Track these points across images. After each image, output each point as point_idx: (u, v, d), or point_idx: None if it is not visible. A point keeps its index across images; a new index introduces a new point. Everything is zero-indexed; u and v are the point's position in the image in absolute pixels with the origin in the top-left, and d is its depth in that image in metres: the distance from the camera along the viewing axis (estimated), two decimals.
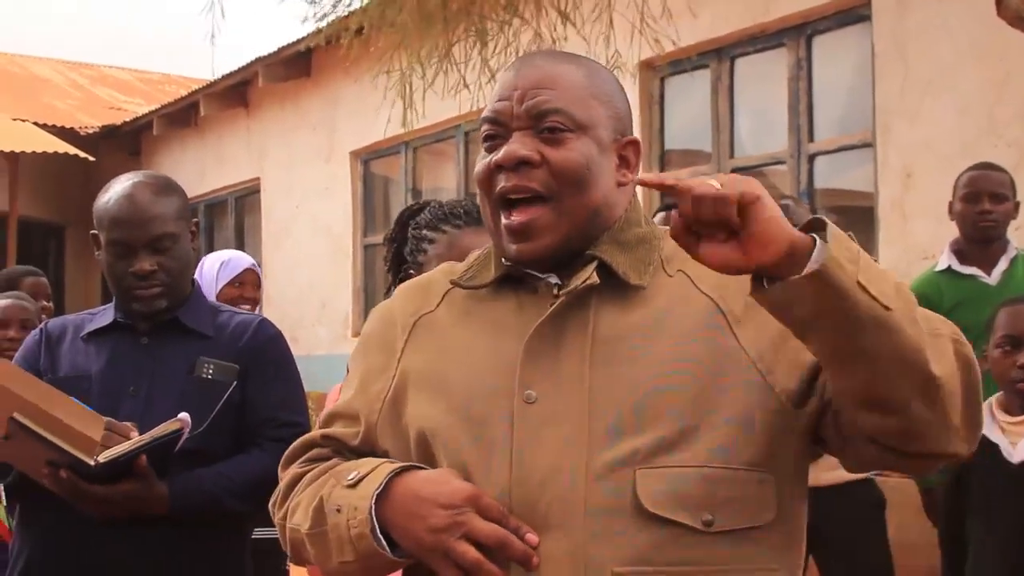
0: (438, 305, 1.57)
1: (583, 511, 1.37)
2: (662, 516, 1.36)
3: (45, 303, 4.56)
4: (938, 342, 1.31)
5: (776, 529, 1.41)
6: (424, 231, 2.39)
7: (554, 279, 1.48)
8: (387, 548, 1.42)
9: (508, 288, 1.52)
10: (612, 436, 1.38)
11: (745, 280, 1.37)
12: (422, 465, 1.47)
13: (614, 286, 1.45)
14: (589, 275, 1.44)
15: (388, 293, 2.55)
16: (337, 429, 1.59)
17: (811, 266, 1.22)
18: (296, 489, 1.57)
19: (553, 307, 1.44)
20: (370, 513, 1.42)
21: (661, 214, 4.01)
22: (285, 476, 1.62)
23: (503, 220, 1.47)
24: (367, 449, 1.55)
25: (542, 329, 1.44)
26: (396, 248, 2.53)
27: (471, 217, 2.35)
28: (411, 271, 2.37)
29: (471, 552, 1.36)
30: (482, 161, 1.50)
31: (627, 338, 1.42)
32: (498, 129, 1.48)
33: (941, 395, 1.29)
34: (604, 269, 1.45)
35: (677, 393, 1.39)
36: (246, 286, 4.04)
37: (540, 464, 1.39)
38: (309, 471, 1.58)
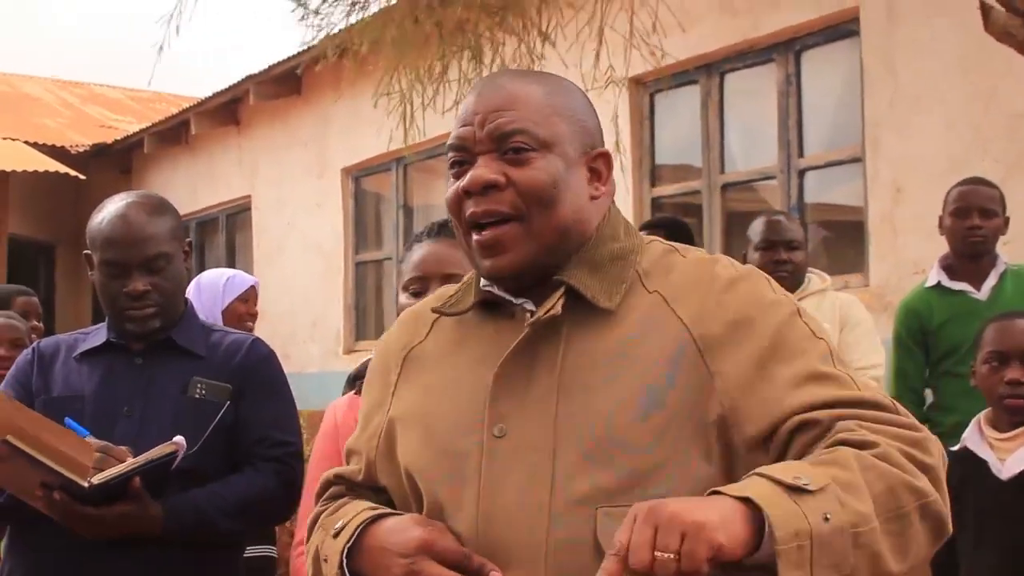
0: (427, 335, 1.58)
1: (544, 549, 1.36)
2: None
3: (36, 323, 4.56)
4: (903, 524, 1.31)
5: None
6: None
7: (530, 304, 1.47)
8: None
9: (488, 314, 1.52)
10: (577, 471, 1.37)
11: (725, 303, 1.40)
12: (395, 512, 1.49)
13: (584, 310, 1.43)
14: (554, 304, 1.42)
15: None
16: (347, 467, 1.63)
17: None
18: (313, 532, 1.59)
19: (519, 339, 1.44)
20: (341, 567, 1.46)
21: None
22: (311, 515, 1.64)
23: (474, 237, 1.47)
24: (370, 485, 1.58)
25: (511, 360, 1.44)
26: None
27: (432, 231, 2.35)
28: None
29: None
30: (451, 188, 1.49)
31: (596, 365, 1.41)
32: (463, 155, 1.48)
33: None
34: (573, 293, 1.43)
35: (642, 426, 1.36)
36: (251, 302, 4.06)
37: (506, 501, 1.39)
38: (324, 511, 1.60)
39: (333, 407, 2.51)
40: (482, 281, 1.52)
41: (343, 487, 1.62)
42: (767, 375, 1.37)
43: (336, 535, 1.48)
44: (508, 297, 1.49)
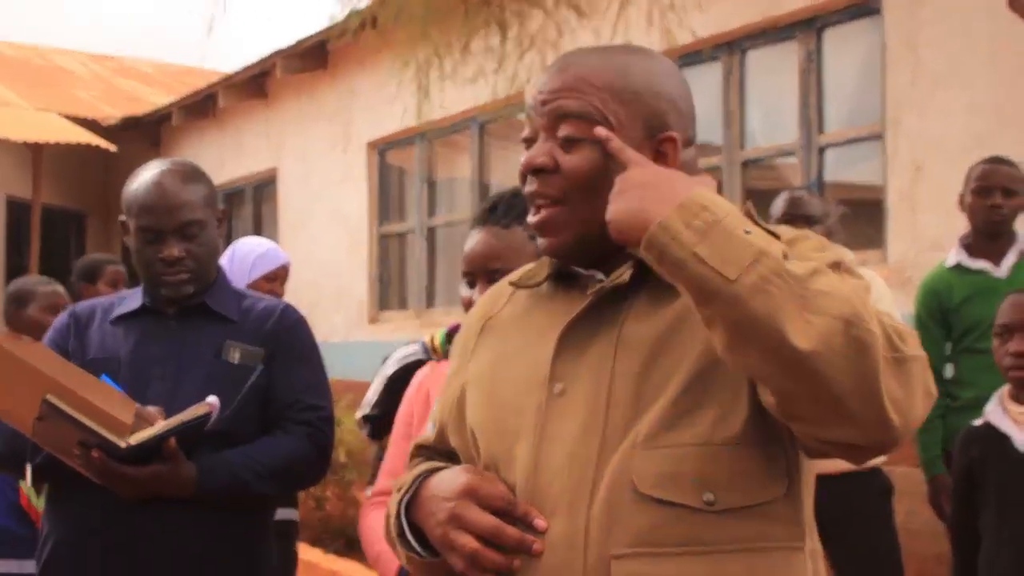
0: (504, 306, 1.62)
1: (587, 496, 1.38)
2: (658, 498, 1.36)
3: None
4: (817, 320, 1.24)
5: (791, 504, 1.40)
6: None
7: (600, 276, 1.50)
8: (419, 550, 1.50)
9: (561, 286, 1.55)
10: (626, 423, 1.40)
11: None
12: (447, 464, 1.55)
13: (652, 283, 1.44)
14: (620, 274, 1.45)
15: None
16: (424, 435, 1.70)
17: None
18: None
19: (584, 304, 1.47)
20: (398, 517, 1.52)
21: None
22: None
23: (529, 217, 1.53)
24: (442, 449, 1.64)
25: (575, 324, 1.47)
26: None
27: None
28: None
29: (469, 542, 1.41)
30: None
31: (655, 328, 1.43)
32: (531, 131, 1.52)
33: (807, 371, 1.24)
34: (643, 267, 1.43)
35: (680, 374, 1.39)
36: (278, 282, 4.00)
37: (557, 453, 1.42)
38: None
39: (417, 374, 2.52)
40: None
41: (421, 456, 1.67)
42: None
43: (399, 490, 1.55)
44: (579, 269, 1.52)
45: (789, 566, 1.39)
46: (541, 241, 1.52)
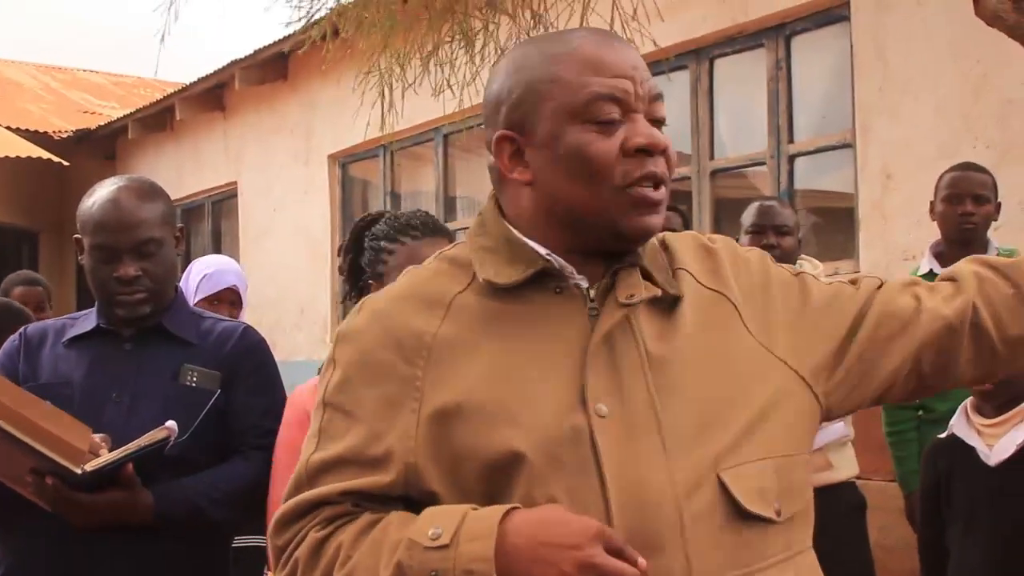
0: (444, 317, 1.43)
1: (680, 525, 1.32)
2: (754, 513, 1.36)
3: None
4: None
5: (809, 508, 1.47)
6: (382, 242, 2.38)
7: (584, 282, 1.43)
8: None
9: (528, 290, 1.42)
10: (690, 444, 1.36)
11: (737, 270, 1.49)
12: (515, 505, 1.32)
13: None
14: (642, 286, 1.41)
15: (345, 302, 2.56)
16: (360, 480, 1.39)
17: None
18: (334, 560, 1.37)
19: (614, 319, 1.39)
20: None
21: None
22: (295, 541, 1.41)
23: (646, 192, 1.40)
24: (407, 494, 1.39)
25: (600, 339, 1.38)
26: (352, 258, 2.51)
27: (427, 228, 2.38)
28: (371, 281, 2.38)
29: None
30: (603, 142, 1.39)
31: (672, 344, 1.41)
32: (619, 109, 1.40)
33: None
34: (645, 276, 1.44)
35: (726, 394, 1.40)
36: (222, 304, 3.87)
37: (626, 484, 1.32)
38: (334, 533, 1.39)
39: (300, 392, 2.40)
40: (542, 251, 1.42)
41: (348, 505, 1.40)
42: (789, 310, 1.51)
43: (443, 546, 1.28)
44: (572, 271, 1.42)
45: (814, 565, 1.48)
46: (648, 219, 1.41)
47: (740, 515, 1.35)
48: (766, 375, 1.43)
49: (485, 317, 1.42)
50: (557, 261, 1.42)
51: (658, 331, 1.42)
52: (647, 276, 1.43)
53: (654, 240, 1.48)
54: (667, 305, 1.43)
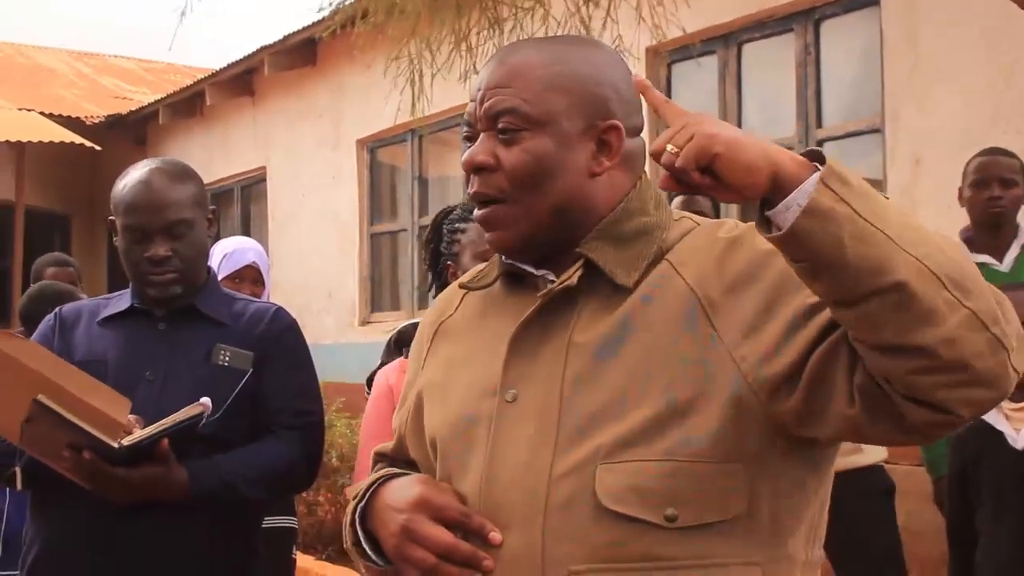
0: (456, 308, 1.59)
1: (543, 509, 1.35)
2: (621, 512, 1.32)
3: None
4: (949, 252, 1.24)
5: (751, 521, 1.35)
6: (456, 224, 2.57)
7: (551, 276, 1.47)
8: (375, 559, 1.49)
9: (513, 287, 1.52)
10: (580, 434, 1.36)
11: (726, 264, 1.37)
12: (407, 473, 1.53)
13: (603, 283, 1.42)
14: (569, 276, 1.42)
15: (429, 291, 2.78)
16: (386, 444, 1.69)
17: (796, 198, 1.20)
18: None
19: (532, 308, 1.44)
20: (353, 526, 1.51)
21: (679, 198, 4.00)
22: None
23: (474, 213, 1.50)
24: (401, 457, 1.64)
25: (525, 329, 1.44)
26: (433, 248, 2.67)
27: None
28: (448, 262, 2.57)
29: (426, 557, 1.39)
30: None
31: (605, 332, 1.40)
32: (471, 131, 1.48)
33: (972, 298, 1.21)
34: (593, 266, 1.43)
35: (644, 387, 1.35)
36: (244, 283, 3.86)
37: (509, 463, 1.39)
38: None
39: (385, 372, 2.60)
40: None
41: (382, 464, 1.66)
42: (775, 314, 1.34)
43: (354, 498, 1.54)
44: (529, 269, 1.49)
45: None
46: (488, 236, 1.48)
47: (606, 512, 1.33)
48: (712, 377, 1.34)
49: (479, 311, 1.55)
50: (518, 264, 1.49)
51: (596, 321, 1.41)
52: (592, 265, 1.42)
53: (653, 227, 1.46)
54: (623, 295, 1.41)
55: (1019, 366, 1.25)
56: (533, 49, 1.48)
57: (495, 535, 1.37)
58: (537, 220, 1.43)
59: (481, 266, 1.60)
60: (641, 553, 1.32)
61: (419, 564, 1.39)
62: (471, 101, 1.48)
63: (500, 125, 1.43)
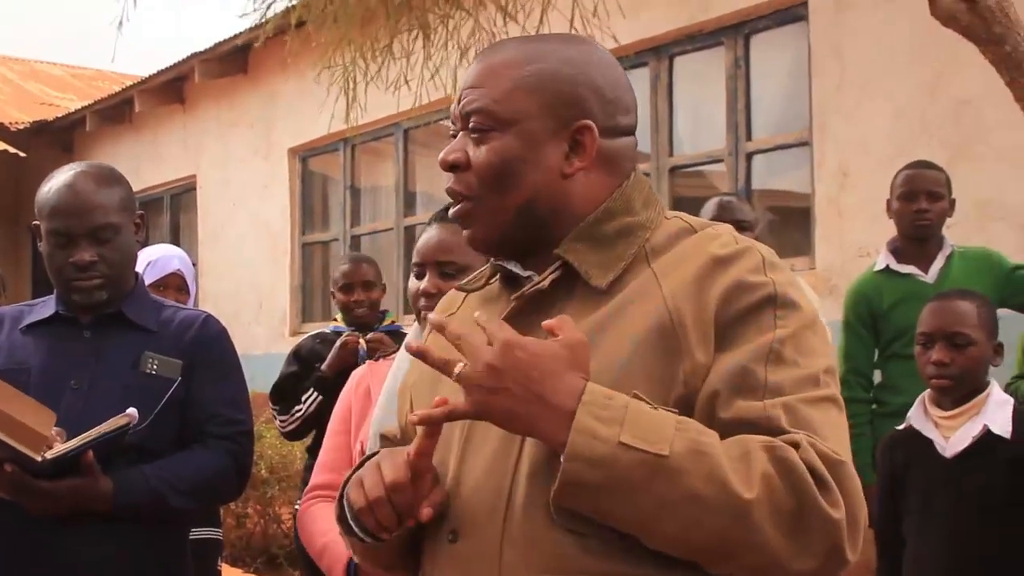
0: (458, 309, 1.60)
1: (504, 511, 1.35)
2: (571, 528, 1.30)
3: None
4: (747, 461, 1.23)
5: None
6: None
7: (536, 277, 1.46)
8: (357, 532, 1.47)
9: (506, 288, 1.51)
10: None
11: (706, 285, 1.35)
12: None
13: (582, 284, 1.42)
14: (542, 279, 1.42)
15: None
16: (391, 428, 1.69)
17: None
18: None
19: (507, 310, 1.44)
20: (341, 500, 1.50)
21: (713, 204, 3.96)
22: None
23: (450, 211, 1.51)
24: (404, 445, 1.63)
25: None
26: None
27: None
28: None
29: (359, 498, 1.40)
30: None
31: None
32: (454, 129, 1.50)
33: (754, 519, 1.22)
34: (572, 267, 1.43)
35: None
36: (168, 291, 3.78)
37: (477, 466, 1.40)
38: None
39: (355, 373, 2.61)
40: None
41: (389, 444, 1.66)
42: (728, 347, 1.33)
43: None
44: (516, 270, 1.48)
45: None
46: (464, 234, 1.50)
47: (561, 524, 1.31)
48: (669, 394, 1.32)
49: (476, 309, 1.51)
50: (506, 264, 1.49)
51: (575, 320, 1.37)
52: (566, 266, 1.42)
53: (636, 227, 1.45)
54: (601, 298, 1.40)
55: (852, 555, 1.27)
56: (513, 48, 1.48)
57: (425, 511, 1.37)
58: (504, 218, 1.44)
59: (483, 268, 1.60)
60: (595, 567, 1.30)
61: (354, 503, 1.40)
62: (455, 101, 1.50)
63: (471, 124, 1.45)
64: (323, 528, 2.32)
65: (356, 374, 2.55)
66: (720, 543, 1.24)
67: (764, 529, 1.22)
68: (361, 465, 1.50)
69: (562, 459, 1.25)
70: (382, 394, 2.31)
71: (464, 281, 1.59)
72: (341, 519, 1.51)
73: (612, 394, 1.27)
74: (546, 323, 1.33)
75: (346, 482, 1.51)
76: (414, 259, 2.32)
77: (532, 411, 1.27)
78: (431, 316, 1.43)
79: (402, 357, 2.35)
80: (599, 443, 1.23)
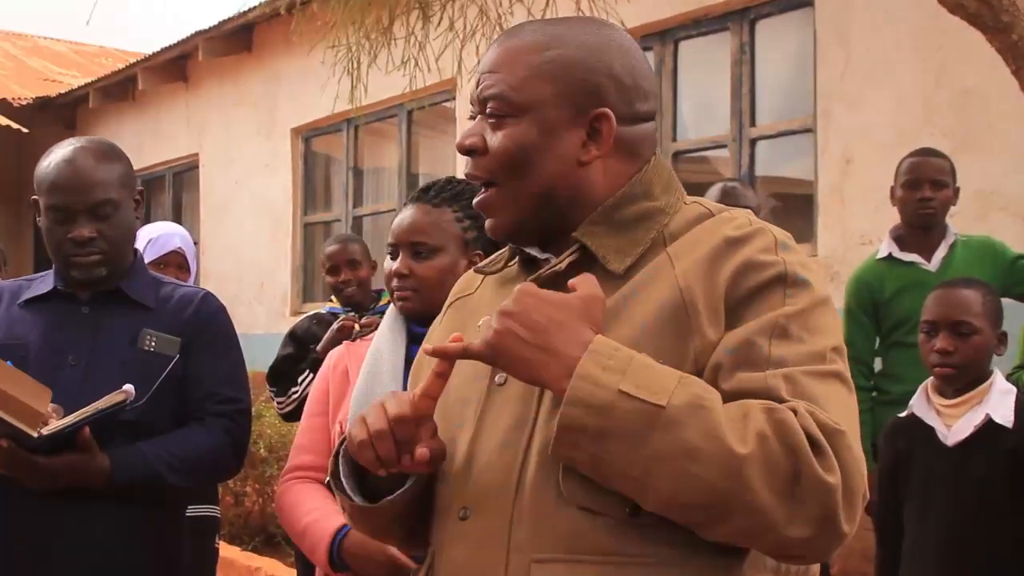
0: (476, 289, 1.60)
1: (514, 491, 1.35)
2: (582, 505, 1.31)
3: None
4: (744, 420, 1.23)
5: None
6: None
7: (554, 259, 1.46)
8: (350, 493, 1.48)
9: (524, 270, 1.51)
10: (553, 416, 1.33)
11: (717, 265, 1.35)
12: None
13: (599, 268, 1.41)
14: (559, 262, 1.43)
15: None
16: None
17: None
18: None
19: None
20: (336, 457, 1.50)
21: (717, 189, 3.97)
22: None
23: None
24: None
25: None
26: None
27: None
28: None
29: (360, 433, 1.38)
30: None
31: None
32: (472, 111, 1.50)
33: (748, 475, 1.21)
34: (589, 251, 1.43)
35: None
36: (168, 268, 3.78)
37: (490, 444, 1.40)
38: None
39: (331, 353, 2.56)
40: None
41: None
42: (736, 322, 1.34)
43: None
44: (535, 253, 1.48)
45: None
46: (487, 222, 1.50)
47: (571, 502, 1.31)
48: (676, 365, 1.32)
49: (492, 293, 1.55)
50: (524, 247, 1.50)
51: None
52: (584, 249, 1.42)
53: (655, 212, 1.44)
54: (618, 281, 1.40)
55: (847, 526, 1.25)
56: (531, 32, 1.47)
57: (421, 451, 1.36)
58: (523, 206, 1.44)
59: (503, 251, 1.59)
60: (603, 546, 1.30)
61: (355, 436, 1.38)
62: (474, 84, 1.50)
63: (489, 110, 1.45)
64: (305, 509, 2.31)
65: (333, 354, 2.53)
66: (713, 501, 1.23)
67: (756, 488, 1.21)
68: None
69: (562, 404, 1.26)
70: (361, 375, 2.30)
71: (482, 263, 1.59)
72: (335, 475, 1.50)
73: (619, 346, 1.29)
74: (571, 281, 1.34)
75: (340, 446, 1.50)
76: (388, 239, 2.32)
77: (539, 356, 1.29)
78: (425, 345, 1.43)
79: (380, 338, 2.35)
80: (599, 389, 1.24)
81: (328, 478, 1.54)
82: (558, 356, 1.28)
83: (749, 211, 1.47)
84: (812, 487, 1.22)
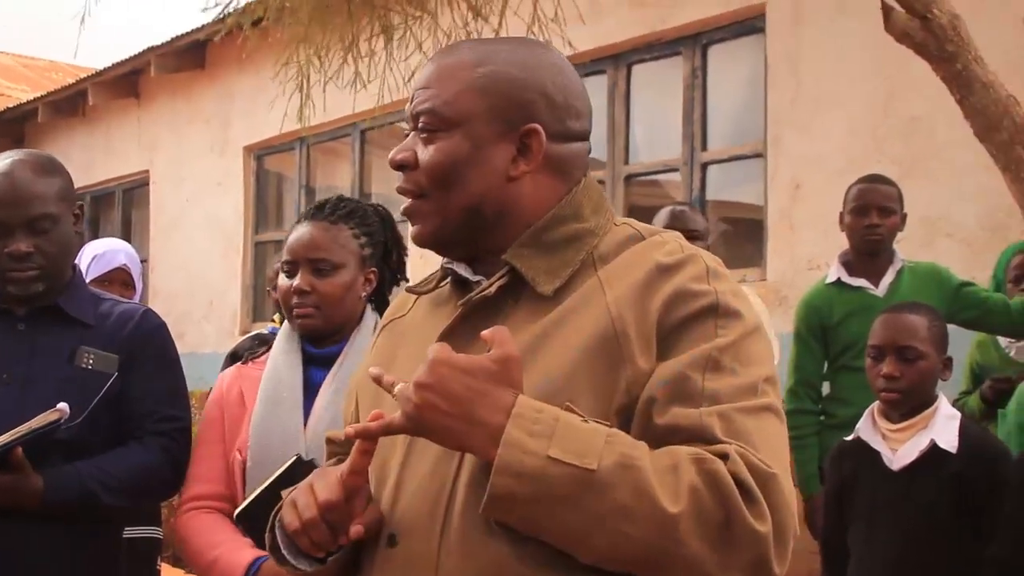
0: (409, 310, 1.60)
1: (441, 520, 1.35)
2: (508, 533, 1.29)
3: None
4: (675, 474, 1.22)
5: None
6: None
7: (486, 281, 1.46)
8: (292, 561, 1.47)
9: (456, 292, 1.51)
10: None
11: (648, 293, 1.34)
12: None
13: (529, 290, 1.42)
14: (489, 285, 1.42)
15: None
16: (336, 432, 1.69)
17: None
18: None
19: (454, 317, 1.44)
20: (272, 530, 1.50)
21: (665, 214, 3.97)
22: None
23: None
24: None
25: (448, 336, 1.42)
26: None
27: None
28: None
29: (292, 521, 1.39)
30: None
31: (524, 346, 1.36)
32: (407, 128, 1.51)
33: (681, 532, 1.21)
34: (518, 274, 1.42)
35: (551, 404, 1.31)
36: (113, 285, 3.75)
37: (419, 471, 1.39)
38: None
39: (222, 376, 2.52)
40: (446, 259, 1.53)
41: (337, 456, 1.65)
42: (669, 353, 1.33)
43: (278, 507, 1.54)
44: (465, 274, 1.48)
45: None
46: (411, 230, 1.51)
47: (496, 530, 1.30)
48: (606, 405, 1.32)
49: (424, 314, 1.56)
50: (455, 267, 1.50)
51: (518, 331, 1.37)
52: (513, 272, 1.42)
53: (584, 234, 1.44)
54: (548, 305, 1.39)
55: (779, 568, 1.26)
56: (466, 50, 1.49)
57: (355, 528, 1.36)
58: (448, 217, 1.45)
59: (435, 272, 1.59)
60: (532, 574, 1.29)
61: (288, 525, 1.39)
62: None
63: (420, 125, 1.46)
64: (211, 541, 2.25)
65: (225, 377, 2.47)
66: (649, 556, 1.23)
67: (690, 542, 1.22)
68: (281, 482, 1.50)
69: (492, 473, 1.24)
70: (259, 401, 2.28)
71: (414, 284, 1.58)
72: (274, 548, 1.49)
73: (542, 407, 1.27)
74: (483, 333, 1.32)
75: (277, 511, 1.49)
76: (284, 256, 2.31)
77: (462, 427, 1.27)
78: (371, 369, 1.41)
79: (275, 361, 2.35)
80: (528, 456, 1.23)
81: (268, 552, 1.52)
82: (482, 425, 1.26)
83: (679, 234, 1.47)
84: (744, 536, 1.23)
